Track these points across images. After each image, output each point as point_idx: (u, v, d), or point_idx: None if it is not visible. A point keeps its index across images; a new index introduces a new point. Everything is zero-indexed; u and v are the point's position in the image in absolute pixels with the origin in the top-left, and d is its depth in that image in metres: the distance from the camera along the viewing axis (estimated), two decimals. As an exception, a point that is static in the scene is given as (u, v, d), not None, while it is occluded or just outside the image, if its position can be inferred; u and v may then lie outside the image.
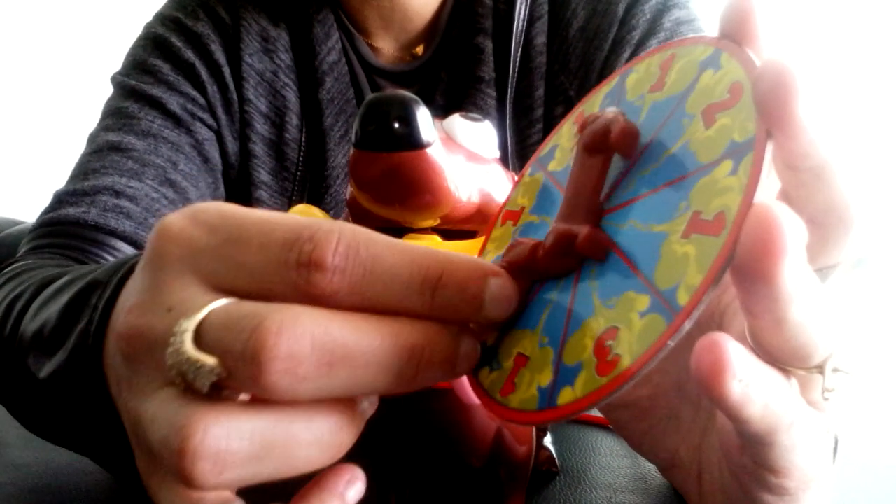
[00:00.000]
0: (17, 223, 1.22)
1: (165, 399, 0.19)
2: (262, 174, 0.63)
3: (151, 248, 0.20)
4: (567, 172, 0.24)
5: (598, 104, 0.25)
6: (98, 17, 1.74)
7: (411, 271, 0.19)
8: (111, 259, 0.51)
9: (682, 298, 0.17)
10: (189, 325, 0.18)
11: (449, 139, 0.32)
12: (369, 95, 0.28)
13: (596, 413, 0.51)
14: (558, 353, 0.20)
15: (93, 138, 0.58)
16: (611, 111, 0.22)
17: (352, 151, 0.28)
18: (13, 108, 1.86)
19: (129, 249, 0.53)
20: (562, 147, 0.26)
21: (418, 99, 0.28)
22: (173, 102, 0.59)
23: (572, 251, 0.21)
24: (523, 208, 0.26)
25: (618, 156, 0.22)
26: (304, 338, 0.17)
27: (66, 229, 0.52)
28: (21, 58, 1.87)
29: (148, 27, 0.64)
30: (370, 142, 0.27)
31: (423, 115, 0.27)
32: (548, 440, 0.44)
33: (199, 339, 0.18)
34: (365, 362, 0.18)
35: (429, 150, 0.28)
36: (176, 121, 0.59)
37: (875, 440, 0.50)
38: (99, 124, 0.60)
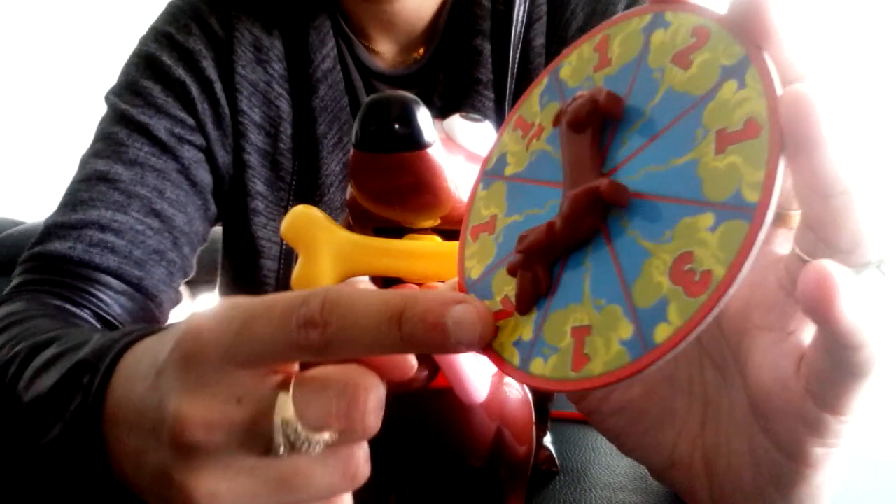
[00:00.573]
0: (17, 223, 1.22)
1: (253, 466, 0.23)
2: (258, 184, 0.63)
3: (188, 350, 0.23)
4: (534, 168, 0.24)
5: (535, 104, 0.25)
6: (99, 19, 1.74)
7: (379, 310, 0.21)
8: (97, 295, 0.54)
9: (752, 196, 0.18)
10: (291, 414, 0.22)
11: (449, 139, 0.32)
12: (369, 96, 0.28)
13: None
14: (628, 305, 0.20)
15: (83, 163, 0.60)
16: (585, 92, 0.23)
17: (352, 152, 0.28)
18: (14, 109, 1.87)
19: (114, 283, 0.55)
20: (512, 152, 0.26)
21: (418, 100, 0.28)
22: (160, 128, 0.60)
23: (594, 207, 0.21)
24: (495, 216, 0.25)
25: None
26: (376, 389, 0.23)
27: (53, 265, 0.54)
28: (22, 59, 1.88)
29: (142, 43, 0.64)
30: (371, 142, 0.27)
31: (423, 115, 0.27)
32: (548, 440, 0.44)
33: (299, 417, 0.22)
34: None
35: (429, 151, 0.28)
36: (162, 147, 0.60)
37: (876, 437, 0.50)
38: (90, 147, 0.61)
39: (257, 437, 0.22)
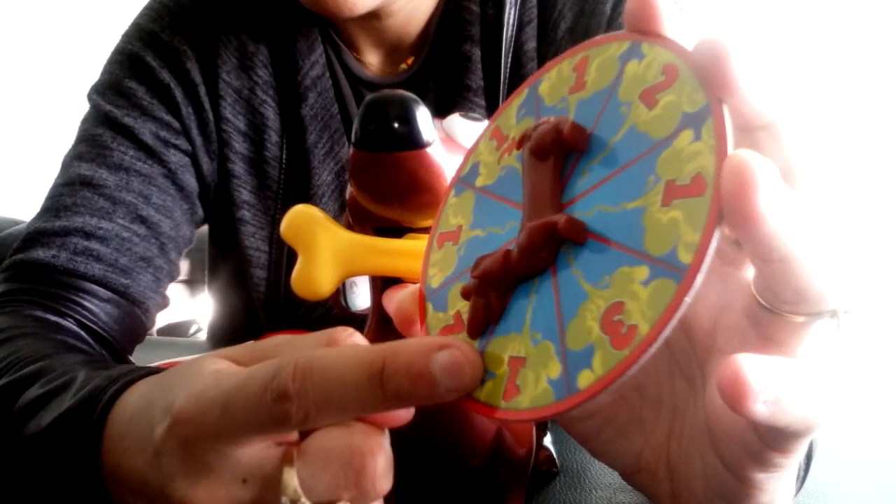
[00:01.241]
0: (17, 223, 1.22)
1: None
2: (244, 194, 0.62)
3: (182, 436, 0.23)
4: (502, 184, 0.25)
5: (513, 117, 0.26)
6: (98, 19, 1.74)
7: (357, 372, 0.21)
8: (82, 304, 0.53)
9: (685, 257, 0.18)
10: (295, 491, 0.21)
11: (449, 139, 0.32)
12: (368, 96, 0.28)
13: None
14: (560, 343, 0.20)
15: (66, 165, 0.58)
16: (551, 118, 0.23)
17: (352, 151, 0.28)
18: (14, 109, 1.87)
19: (100, 291, 0.53)
20: (485, 162, 0.26)
21: (418, 99, 0.28)
22: (146, 131, 0.58)
23: (550, 242, 0.21)
24: (460, 227, 0.26)
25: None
26: (383, 450, 0.22)
27: (36, 274, 0.53)
28: (22, 59, 1.88)
29: (125, 40, 0.62)
30: (370, 142, 0.27)
31: (422, 114, 0.27)
32: (548, 440, 0.44)
33: (306, 493, 0.21)
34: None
35: (429, 150, 0.28)
36: (148, 151, 0.58)
37: (873, 441, 0.50)
38: (73, 149, 0.59)
39: None
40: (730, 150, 0.18)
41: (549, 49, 0.61)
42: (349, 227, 0.33)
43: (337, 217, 0.32)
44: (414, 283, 0.31)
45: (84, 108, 0.62)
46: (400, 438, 0.34)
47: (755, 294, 0.21)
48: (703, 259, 0.18)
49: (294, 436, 0.23)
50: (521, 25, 0.61)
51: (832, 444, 0.46)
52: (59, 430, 0.31)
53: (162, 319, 1.50)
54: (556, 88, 0.24)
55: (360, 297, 0.46)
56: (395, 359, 0.20)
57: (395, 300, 0.26)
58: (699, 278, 0.18)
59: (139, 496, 0.26)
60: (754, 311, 0.21)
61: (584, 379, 0.19)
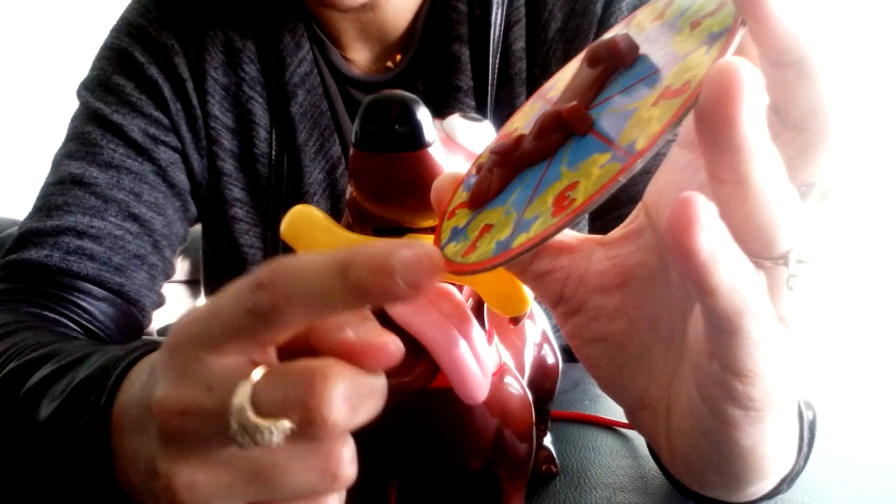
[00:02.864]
0: (17, 223, 1.22)
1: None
2: (235, 191, 0.62)
3: (172, 343, 0.24)
4: None
5: (530, 115, 0.27)
6: (97, 18, 1.73)
7: (324, 264, 0.21)
8: (77, 303, 0.53)
9: (640, 144, 0.19)
10: (244, 401, 0.21)
11: (449, 139, 0.32)
12: (369, 96, 0.28)
13: (596, 413, 0.51)
14: (520, 214, 0.22)
15: (56, 164, 0.58)
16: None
17: (352, 151, 0.28)
18: (13, 109, 1.86)
19: (94, 290, 0.53)
20: (520, 129, 0.28)
21: (418, 99, 0.28)
22: (135, 128, 0.58)
23: (557, 128, 0.23)
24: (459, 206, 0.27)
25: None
26: (343, 379, 0.21)
27: (30, 274, 0.53)
28: (21, 59, 1.87)
29: (113, 35, 0.62)
30: (370, 142, 0.27)
31: (423, 115, 0.27)
32: (548, 440, 0.44)
33: (256, 407, 0.21)
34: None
35: (429, 150, 0.28)
36: (138, 149, 0.58)
37: (873, 439, 0.50)
38: (63, 147, 0.59)
39: (225, 426, 0.21)
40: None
41: (539, 49, 0.61)
42: (349, 227, 0.33)
43: (329, 216, 0.32)
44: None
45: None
46: (401, 438, 0.34)
47: None
48: (650, 148, 0.19)
49: (272, 357, 0.23)
50: (508, 25, 0.61)
51: (832, 442, 0.46)
52: (76, 399, 0.32)
53: (162, 320, 1.50)
54: (646, 18, 0.26)
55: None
56: (359, 253, 0.21)
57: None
58: (639, 163, 0.19)
59: (132, 431, 0.27)
60: None
61: (518, 240, 0.21)
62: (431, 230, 0.33)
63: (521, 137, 0.24)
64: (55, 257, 0.53)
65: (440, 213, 0.27)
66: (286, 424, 0.21)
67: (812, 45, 0.20)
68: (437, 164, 0.29)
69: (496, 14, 0.60)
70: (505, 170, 0.24)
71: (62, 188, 0.56)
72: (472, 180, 0.26)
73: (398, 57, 0.63)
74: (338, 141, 0.62)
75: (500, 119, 0.61)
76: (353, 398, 0.21)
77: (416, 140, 0.27)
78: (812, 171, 0.22)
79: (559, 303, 0.27)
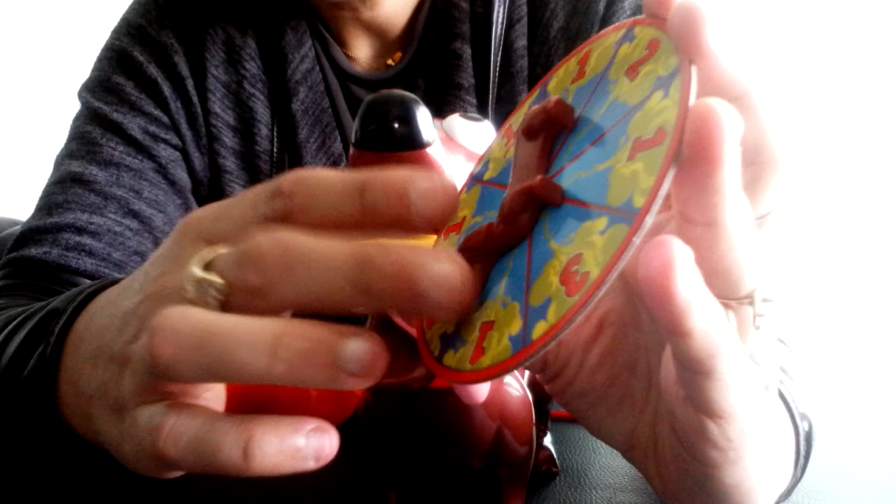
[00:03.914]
0: (17, 223, 1.22)
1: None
2: (236, 189, 0.62)
3: (173, 237, 0.25)
4: (504, 174, 0.25)
5: (522, 115, 0.26)
6: (98, 21, 1.73)
7: (344, 182, 0.22)
8: None
9: (638, 201, 0.18)
10: (198, 260, 0.22)
11: (449, 139, 0.32)
12: (369, 96, 0.28)
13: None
14: (524, 302, 0.21)
15: (58, 164, 0.59)
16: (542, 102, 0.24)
17: (352, 151, 0.28)
18: (13, 109, 1.86)
19: None
20: (494, 158, 0.27)
21: (418, 99, 0.28)
22: (135, 126, 0.58)
23: (528, 206, 0.22)
24: (464, 218, 0.26)
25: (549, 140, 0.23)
26: (273, 243, 0.21)
27: (30, 270, 0.53)
28: (21, 59, 1.87)
29: (113, 36, 0.63)
30: (370, 141, 0.27)
31: (423, 114, 0.27)
32: (548, 440, 0.44)
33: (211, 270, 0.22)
34: (324, 265, 0.20)
35: (429, 150, 0.28)
36: (138, 147, 0.58)
37: (873, 440, 0.50)
38: (65, 147, 0.60)
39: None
40: (692, 101, 0.18)
41: (541, 48, 0.61)
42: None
43: None
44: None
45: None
46: (400, 438, 0.34)
47: None
48: (655, 200, 0.18)
49: None
50: (510, 23, 0.61)
51: (831, 444, 0.46)
52: (39, 330, 0.33)
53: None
54: (562, 82, 0.25)
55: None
56: (379, 176, 0.21)
57: None
58: (649, 219, 0.18)
59: (102, 340, 0.27)
60: None
61: (539, 329, 0.19)
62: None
63: (489, 226, 0.23)
64: (54, 253, 0.53)
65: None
66: (221, 285, 0.22)
67: (752, 81, 0.20)
68: (437, 164, 0.28)
69: (498, 12, 0.60)
70: (482, 264, 0.23)
71: (62, 187, 0.56)
72: None
73: (399, 54, 0.63)
74: (339, 138, 0.62)
75: (501, 118, 0.61)
76: (293, 267, 0.21)
77: (415, 140, 0.27)
78: (765, 202, 0.23)
79: (543, 369, 0.27)
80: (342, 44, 0.63)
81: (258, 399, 0.47)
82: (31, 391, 0.31)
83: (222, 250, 0.23)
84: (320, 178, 0.22)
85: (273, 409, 0.47)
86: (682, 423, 0.22)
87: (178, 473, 0.26)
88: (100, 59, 0.62)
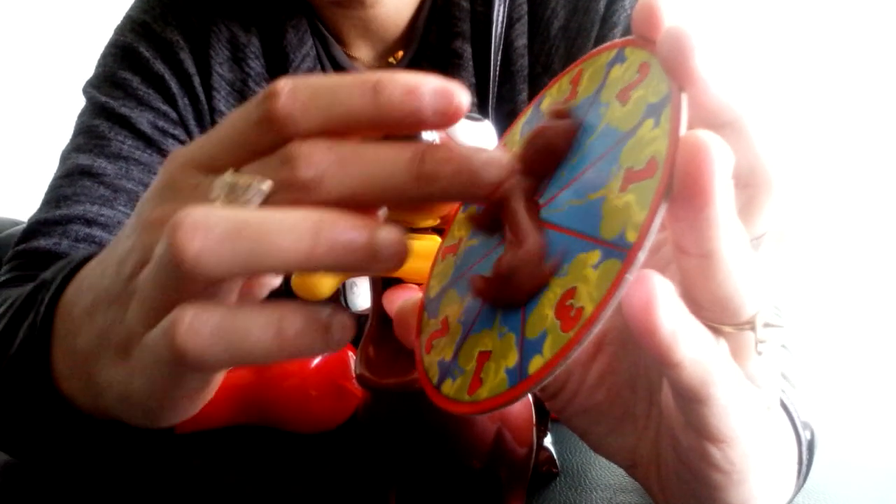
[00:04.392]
0: (17, 223, 1.22)
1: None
2: None
3: (161, 174, 0.24)
4: None
5: (517, 133, 0.26)
6: (97, 17, 1.74)
7: (352, 81, 0.21)
8: None
9: (631, 236, 0.18)
10: (227, 174, 0.22)
11: (449, 139, 0.32)
12: None
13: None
14: (520, 334, 0.21)
15: (64, 158, 0.58)
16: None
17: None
18: (13, 109, 1.86)
19: None
20: None
21: None
22: (143, 121, 0.58)
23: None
24: (461, 240, 0.26)
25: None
26: (321, 141, 0.21)
27: (39, 262, 0.52)
28: (21, 58, 1.87)
29: (117, 33, 0.62)
30: (370, 141, 0.27)
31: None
32: (548, 441, 0.44)
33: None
34: (377, 156, 0.21)
35: (429, 150, 0.28)
36: (147, 141, 0.58)
37: (874, 441, 0.50)
38: (71, 142, 0.59)
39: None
40: (682, 132, 0.18)
41: (541, 47, 0.61)
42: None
43: None
44: (414, 283, 0.31)
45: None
46: (401, 438, 0.34)
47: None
48: (647, 236, 0.18)
49: None
50: (510, 22, 0.61)
51: (833, 445, 0.46)
52: (29, 300, 0.32)
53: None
54: (554, 101, 0.25)
55: (360, 298, 0.46)
56: (392, 75, 0.21)
57: (397, 307, 0.26)
58: (641, 255, 0.18)
59: (99, 295, 0.27)
60: None
61: (535, 364, 0.19)
62: (432, 230, 0.33)
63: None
64: (63, 245, 0.53)
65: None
66: (265, 184, 0.21)
67: (742, 106, 0.20)
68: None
69: (498, 11, 0.60)
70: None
71: (70, 180, 0.56)
72: (435, 304, 0.25)
73: (400, 53, 0.63)
74: None
75: (502, 116, 0.61)
76: (338, 161, 0.21)
77: (415, 139, 0.27)
78: (760, 223, 0.23)
79: (543, 387, 0.27)
80: (343, 43, 0.63)
81: (259, 399, 0.47)
82: (23, 364, 0.30)
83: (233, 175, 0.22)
84: (322, 79, 0.21)
85: (274, 408, 0.47)
86: (684, 447, 0.22)
87: (193, 404, 0.26)
88: (104, 56, 0.62)
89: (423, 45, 0.62)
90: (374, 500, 0.36)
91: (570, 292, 0.19)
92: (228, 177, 0.22)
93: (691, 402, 0.20)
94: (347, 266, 0.21)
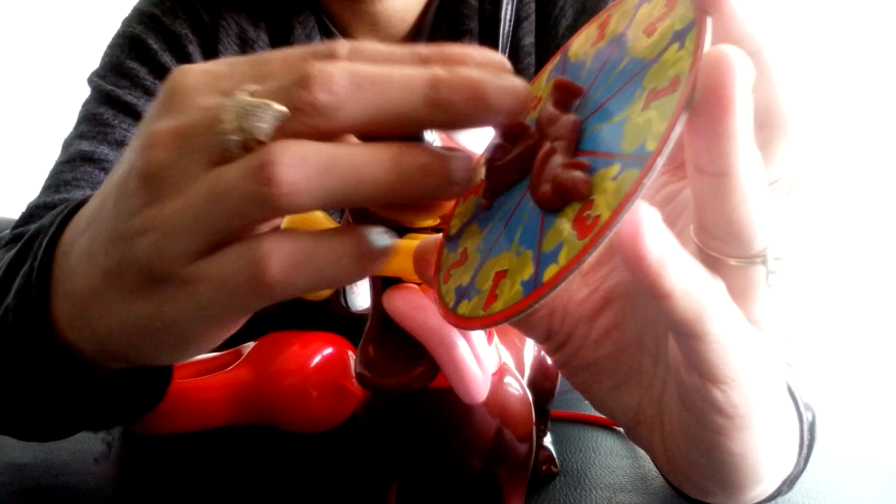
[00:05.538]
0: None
1: (222, 171, 0.21)
2: None
3: (167, 86, 0.23)
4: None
5: (543, 79, 0.27)
6: (97, 16, 1.74)
7: (405, 52, 0.22)
8: None
9: (651, 145, 0.18)
10: (241, 95, 0.21)
11: (449, 139, 0.32)
12: None
13: (596, 413, 0.51)
14: (537, 249, 0.21)
15: (67, 145, 0.58)
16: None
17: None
18: (13, 109, 1.86)
19: None
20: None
21: None
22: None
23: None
24: (482, 183, 0.26)
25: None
26: (339, 67, 0.21)
27: None
28: (21, 58, 1.87)
29: (125, 24, 0.62)
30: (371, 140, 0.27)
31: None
32: (548, 440, 0.44)
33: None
34: (395, 83, 0.21)
35: (429, 150, 0.28)
36: None
37: (873, 440, 0.50)
38: (74, 130, 0.59)
39: (215, 129, 0.21)
40: (706, 50, 0.19)
41: (549, 45, 0.61)
42: (349, 227, 0.33)
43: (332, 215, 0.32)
44: (414, 282, 0.31)
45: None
46: (401, 438, 0.34)
47: (693, 237, 0.21)
48: (667, 142, 0.18)
49: None
50: (518, 21, 0.61)
51: (832, 443, 0.46)
52: (26, 248, 0.31)
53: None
54: (582, 46, 0.25)
55: (360, 298, 0.46)
56: (450, 72, 0.22)
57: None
58: (659, 161, 0.18)
59: (96, 215, 0.26)
60: (697, 257, 0.21)
61: (549, 272, 0.20)
62: (432, 230, 0.33)
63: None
64: None
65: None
66: (279, 108, 0.21)
67: (765, 39, 0.20)
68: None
69: (506, 9, 0.60)
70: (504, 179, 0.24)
71: (72, 166, 0.56)
72: (455, 242, 0.26)
73: None
74: None
75: None
76: (363, 85, 0.21)
77: (414, 139, 0.27)
78: (774, 167, 0.23)
79: (547, 338, 0.27)
80: (350, 38, 0.63)
81: (259, 398, 0.47)
82: (20, 313, 0.29)
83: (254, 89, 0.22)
84: (377, 45, 0.22)
85: (273, 408, 0.47)
86: (688, 391, 0.22)
87: (227, 334, 0.26)
88: (111, 47, 0.62)
89: (431, 43, 0.62)
90: (374, 500, 0.36)
91: (588, 205, 0.20)
92: (241, 97, 0.21)
93: (688, 339, 0.20)
94: (426, 192, 0.22)
